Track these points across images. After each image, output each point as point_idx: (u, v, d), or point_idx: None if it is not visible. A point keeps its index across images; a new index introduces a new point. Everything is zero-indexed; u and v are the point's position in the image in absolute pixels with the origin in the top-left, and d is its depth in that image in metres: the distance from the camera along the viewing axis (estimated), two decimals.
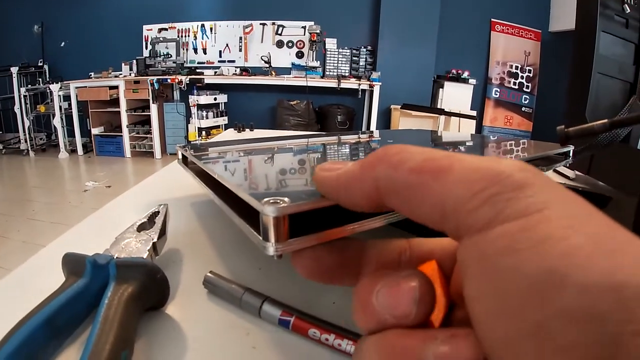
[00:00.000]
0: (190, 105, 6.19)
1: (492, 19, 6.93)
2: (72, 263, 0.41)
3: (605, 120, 0.52)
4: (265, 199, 0.30)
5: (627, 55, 1.28)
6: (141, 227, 0.50)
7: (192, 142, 0.76)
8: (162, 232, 0.51)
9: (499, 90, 7.11)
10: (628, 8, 1.21)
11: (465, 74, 6.53)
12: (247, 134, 1.54)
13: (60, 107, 6.41)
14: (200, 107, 6.28)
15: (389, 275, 0.21)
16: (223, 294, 0.45)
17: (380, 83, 6.25)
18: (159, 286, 0.43)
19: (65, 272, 0.42)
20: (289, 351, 0.39)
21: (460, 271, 0.18)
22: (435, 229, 0.20)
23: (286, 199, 0.30)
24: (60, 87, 6.36)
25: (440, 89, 6.51)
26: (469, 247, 0.18)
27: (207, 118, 6.33)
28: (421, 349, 0.18)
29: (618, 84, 1.29)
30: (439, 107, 6.23)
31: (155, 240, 0.48)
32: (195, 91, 6.26)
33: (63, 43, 7.18)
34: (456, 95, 6.42)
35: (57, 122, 6.37)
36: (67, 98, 6.50)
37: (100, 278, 0.40)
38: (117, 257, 0.42)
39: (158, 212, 0.54)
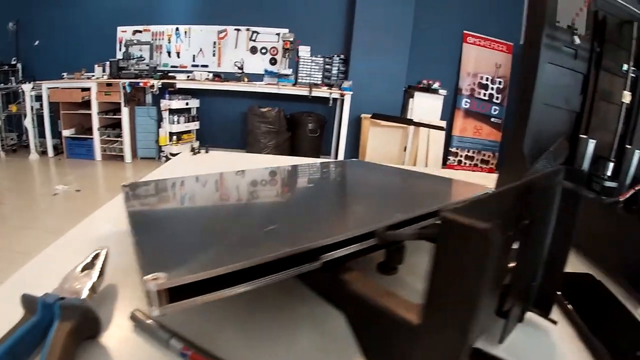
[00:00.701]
0: (162, 109, 6.21)
1: (465, 31, 7.05)
2: (28, 302, 0.51)
3: (415, 232, 0.59)
4: (147, 276, 0.39)
5: (575, 86, 1.32)
6: (85, 267, 0.60)
7: (132, 183, 0.83)
8: (101, 273, 0.60)
9: (469, 100, 7.24)
10: (578, 39, 1.26)
11: (436, 85, 6.64)
12: (202, 156, 1.57)
13: (31, 107, 6.37)
14: (172, 111, 6.29)
15: None
16: (144, 328, 0.55)
17: (351, 92, 6.33)
18: (92, 323, 0.53)
19: (24, 308, 0.51)
20: None
21: None
22: None
23: (162, 275, 0.39)
24: (33, 87, 6.31)
25: (411, 99, 6.58)
26: None
27: (178, 123, 6.35)
28: None
29: (564, 113, 1.34)
30: (409, 117, 6.33)
31: (94, 280, 0.58)
32: (167, 95, 6.28)
33: (37, 42, 7.13)
34: (426, 106, 6.51)
35: (28, 122, 6.33)
36: (39, 98, 6.45)
37: (48, 315, 0.49)
38: (62, 297, 0.51)
39: (100, 254, 0.63)
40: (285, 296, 0.65)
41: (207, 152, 1.62)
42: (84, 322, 0.50)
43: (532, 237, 0.50)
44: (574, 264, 0.93)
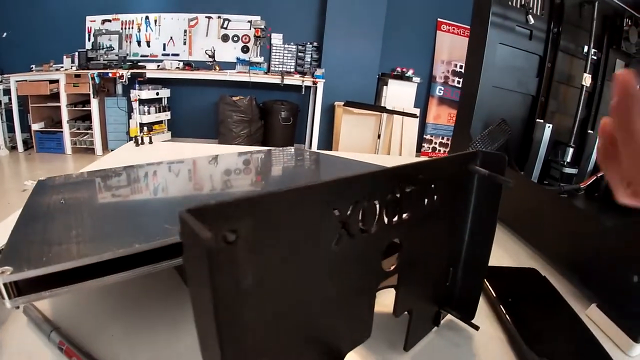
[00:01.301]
0: (132, 100, 6.10)
1: (439, 19, 7.05)
2: None
3: None
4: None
5: (530, 68, 1.29)
6: None
7: (49, 178, 0.84)
8: None
9: (442, 88, 7.27)
10: (532, 19, 1.22)
11: (410, 72, 6.63)
12: (146, 147, 1.54)
13: (0, 101, 6.24)
14: (142, 102, 6.19)
15: None
16: (32, 321, 0.57)
17: (324, 80, 6.31)
18: None
19: None
20: None
21: None
22: None
23: (9, 269, 0.40)
24: (1, 81, 6.18)
25: (385, 87, 6.60)
26: None
27: (149, 113, 6.27)
28: None
29: (518, 97, 1.30)
30: (383, 104, 6.33)
31: None
32: (137, 86, 6.16)
33: (5, 34, 6.98)
34: (400, 93, 6.52)
35: None
36: (7, 92, 6.29)
37: None
38: None
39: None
40: (174, 292, 0.67)
41: (151, 142, 1.59)
42: None
43: (419, 232, 0.46)
44: (521, 258, 0.90)
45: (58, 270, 0.42)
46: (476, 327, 0.56)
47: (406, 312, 0.52)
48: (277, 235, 0.28)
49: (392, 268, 0.43)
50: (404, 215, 0.41)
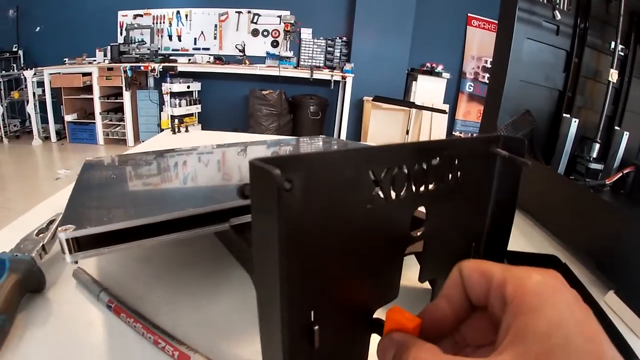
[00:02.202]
0: (163, 93, 6.21)
1: (469, 14, 7.00)
2: None
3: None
4: (62, 227, 0.44)
5: (557, 63, 1.29)
6: (40, 232, 0.68)
7: (95, 158, 0.93)
8: (53, 236, 0.68)
9: (472, 84, 7.21)
10: (559, 14, 1.23)
11: (439, 68, 6.60)
12: (182, 135, 1.59)
13: (34, 93, 6.38)
14: (174, 95, 6.28)
15: None
16: (82, 283, 0.62)
17: (352, 75, 6.32)
18: (36, 275, 0.59)
19: None
20: (107, 324, 0.56)
21: None
22: None
23: (71, 227, 0.44)
24: (35, 74, 6.30)
25: (414, 82, 6.56)
26: None
27: (180, 106, 6.35)
28: None
29: (545, 91, 1.31)
30: (412, 100, 6.29)
31: (44, 242, 0.65)
32: (168, 79, 6.26)
33: (38, 28, 7.10)
34: (429, 89, 6.48)
35: (30, 108, 6.34)
36: (41, 84, 6.44)
37: (2, 268, 0.56)
38: (14, 255, 0.59)
39: (55, 219, 0.72)
40: (214, 257, 0.73)
41: (187, 131, 1.63)
42: (30, 275, 0.57)
43: (443, 204, 0.48)
44: (542, 245, 0.92)
45: (116, 229, 0.46)
46: None
47: (429, 284, 0.54)
48: (324, 188, 0.31)
49: (418, 234, 0.46)
50: (430, 186, 0.44)
